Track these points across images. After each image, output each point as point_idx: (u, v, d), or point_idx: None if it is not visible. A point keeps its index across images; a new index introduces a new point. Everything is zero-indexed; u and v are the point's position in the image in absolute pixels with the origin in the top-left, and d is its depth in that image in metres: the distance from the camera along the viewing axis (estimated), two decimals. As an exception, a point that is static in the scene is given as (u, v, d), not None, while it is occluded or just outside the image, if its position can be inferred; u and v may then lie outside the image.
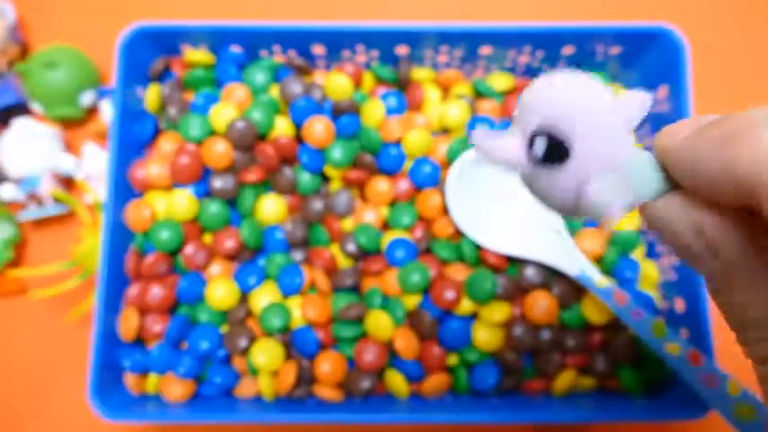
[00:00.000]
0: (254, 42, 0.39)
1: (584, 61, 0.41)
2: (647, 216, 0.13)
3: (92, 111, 0.47)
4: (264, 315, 0.36)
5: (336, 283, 0.37)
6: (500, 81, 0.41)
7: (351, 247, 0.37)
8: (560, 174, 0.12)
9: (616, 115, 0.12)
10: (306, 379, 0.36)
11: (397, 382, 0.35)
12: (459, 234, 0.37)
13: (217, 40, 0.39)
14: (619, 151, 0.12)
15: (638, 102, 0.12)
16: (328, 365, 0.35)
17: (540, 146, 0.12)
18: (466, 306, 0.36)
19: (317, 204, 0.38)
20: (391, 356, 0.36)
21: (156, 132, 0.40)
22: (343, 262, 0.38)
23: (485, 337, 0.36)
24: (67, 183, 0.45)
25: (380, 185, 0.38)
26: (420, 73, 0.41)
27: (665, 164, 0.12)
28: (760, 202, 0.10)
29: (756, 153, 0.10)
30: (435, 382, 0.36)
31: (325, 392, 0.35)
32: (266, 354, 0.35)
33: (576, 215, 0.13)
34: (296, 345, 0.36)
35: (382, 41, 0.39)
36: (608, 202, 0.12)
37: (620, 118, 0.12)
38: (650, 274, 0.38)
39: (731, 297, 0.13)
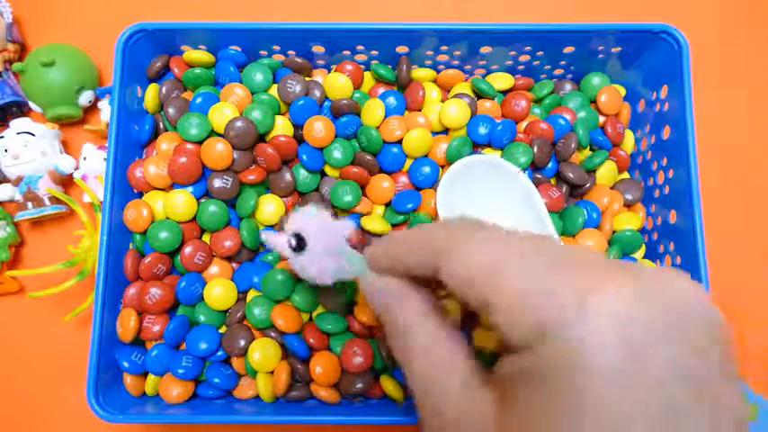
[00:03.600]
0: (254, 42, 0.39)
1: (584, 61, 0.41)
2: (360, 286, 0.24)
3: (90, 110, 0.47)
4: (253, 312, 0.35)
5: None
6: (500, 81, 0.41)
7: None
8: (303, 257, 0.25)
9: (335, 230, 0.25)
10: (304, 380, 0.36)
11: (390, 389, 0.35)
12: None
13: (216, 39, 0.39)
14: (333, 247, 0.24)
15: (346, 226, 0.25)
16: (321, 368, 0.35)
17: (292, 241, 0.25)
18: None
19: (315, 202, 0.38)
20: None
21: (155, 132, 0.40)
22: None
23: (484, 338, 0.35)
24: (66, 183, 0.45)
25: (383, 183, 0.38)
26: (420, 73, 0.41)
27: (369, 259, 0.24)
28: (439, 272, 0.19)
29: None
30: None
31: (322, 393, 0.35)
32: (262, 352, 0.35)
33: (317, 281, 0.25)
34: (288, 346, 0.35)
35: (382, 41, 0.39)
36: (321, 273, 0.24)
37: (337, 231, 0.25)
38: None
39: (402, 346, 0.21)
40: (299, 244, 0.24)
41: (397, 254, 0.21)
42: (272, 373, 0.35)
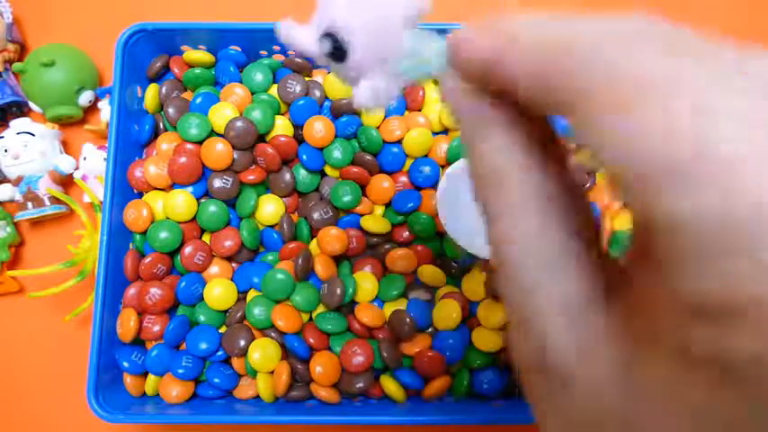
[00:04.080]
0: (254, 42, 0.39)
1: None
2: (442, 89, 0.15)
3: (90, 110, 0.47)
4: (252, 312, 0.35)
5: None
6: (500, 81, 0.41)
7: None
8: (342, 66, 0.15)
9: (395, 18, 0.15)
10: (304, 380, 0.36)
11: (390, 389, 0.35)
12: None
13: (216, 39, 0.39)
14: (390, 50, 0.15)
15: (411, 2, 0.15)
16: (321, 367, 0.35)
17: (326, 46, 0.15)
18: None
19: (315, 202, 0.38)
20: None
21: (155, 132, 0.40)
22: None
23: (484, 340, 0.35)
24: (66, 183, 0.45)
25: (383, 183, 0.38)
26: (420, 73, 0.40)
27: (454, 54, 0.14)
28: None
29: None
30: (435, 387, 0.35)
31: (322, 393, 0.35)
32: (262, 352, 0.35)
33: (361, 106, 0.16)
34: (288, 346, 0.35)
35: (382, 41, 0.39)
36: (366, 101, 0.15)
37: (399, 19, 0.15)
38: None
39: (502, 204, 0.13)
40: (336, 48, 0.15)
41: (504, 62, 0.12)
42: (273, 373, 0.35)
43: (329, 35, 0.15)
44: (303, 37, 0.16)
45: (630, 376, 0.11)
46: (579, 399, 0.12)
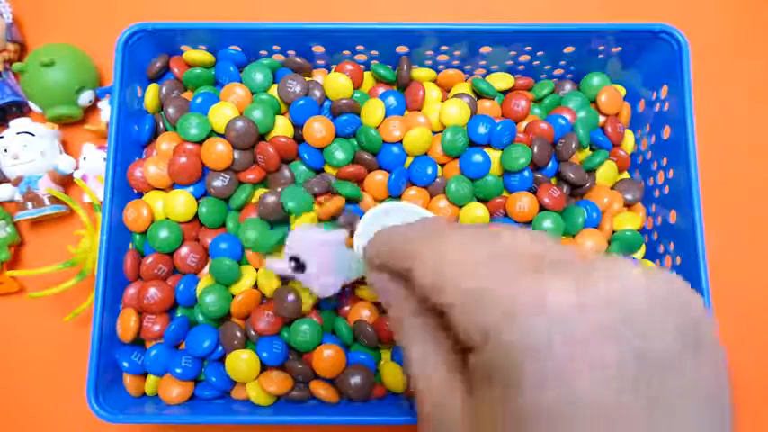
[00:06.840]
0: (254, 42, 0.39)
1: (584, 61, 0.41)
2: (367, 280, 0.24)
3: (90, 110, 0.47)
4: (204, 300, 0.35)
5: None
6: (500, 81, 0.41)
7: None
8: (304, 275, 0.29)
9: (331, 242, 0.29)
10: (303, 380, 0.36)
11: (391, 375, 0.35)
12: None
13: (216, 39, 0.39)
14: (330, 260, 0.29)
15: (339, 237, 0.29)
16: (322, 362, 0.35)
17: (292, 264, 0.29)
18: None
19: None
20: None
21: (155, 132, 0.40)
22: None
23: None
24: (66, 183, 0.45)
25: (377, 177, 0.38)
26: (420, 73, 0.41)
27: (366, 258, 0.24)
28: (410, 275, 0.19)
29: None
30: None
31: (322, 392, 0.35)
32: (244, 365, 0.35)
33: (321, 295, 0.29)
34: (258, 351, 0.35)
35: (382, 41, 0.39)
36: (322, 288, 0.29)
37: (333, 242, 0.29)
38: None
39: (399, 338, 0.21)
40: (298, 265, 0.29)
41: (382, 254, 0.22)
42: (257, 378, 0.35)
43: (293, 258, 0.29)
44: (280, 264, 0.30)
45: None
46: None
